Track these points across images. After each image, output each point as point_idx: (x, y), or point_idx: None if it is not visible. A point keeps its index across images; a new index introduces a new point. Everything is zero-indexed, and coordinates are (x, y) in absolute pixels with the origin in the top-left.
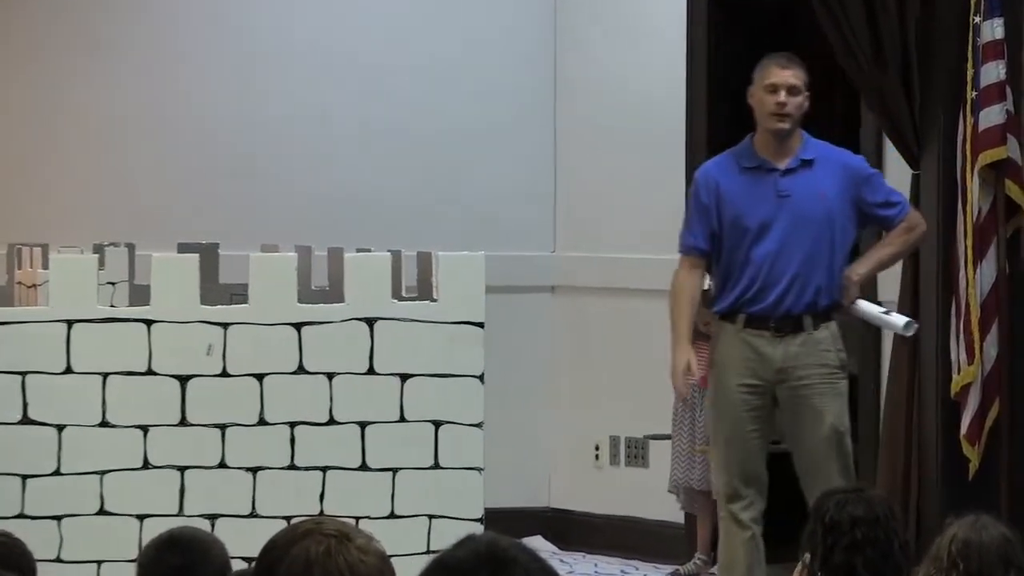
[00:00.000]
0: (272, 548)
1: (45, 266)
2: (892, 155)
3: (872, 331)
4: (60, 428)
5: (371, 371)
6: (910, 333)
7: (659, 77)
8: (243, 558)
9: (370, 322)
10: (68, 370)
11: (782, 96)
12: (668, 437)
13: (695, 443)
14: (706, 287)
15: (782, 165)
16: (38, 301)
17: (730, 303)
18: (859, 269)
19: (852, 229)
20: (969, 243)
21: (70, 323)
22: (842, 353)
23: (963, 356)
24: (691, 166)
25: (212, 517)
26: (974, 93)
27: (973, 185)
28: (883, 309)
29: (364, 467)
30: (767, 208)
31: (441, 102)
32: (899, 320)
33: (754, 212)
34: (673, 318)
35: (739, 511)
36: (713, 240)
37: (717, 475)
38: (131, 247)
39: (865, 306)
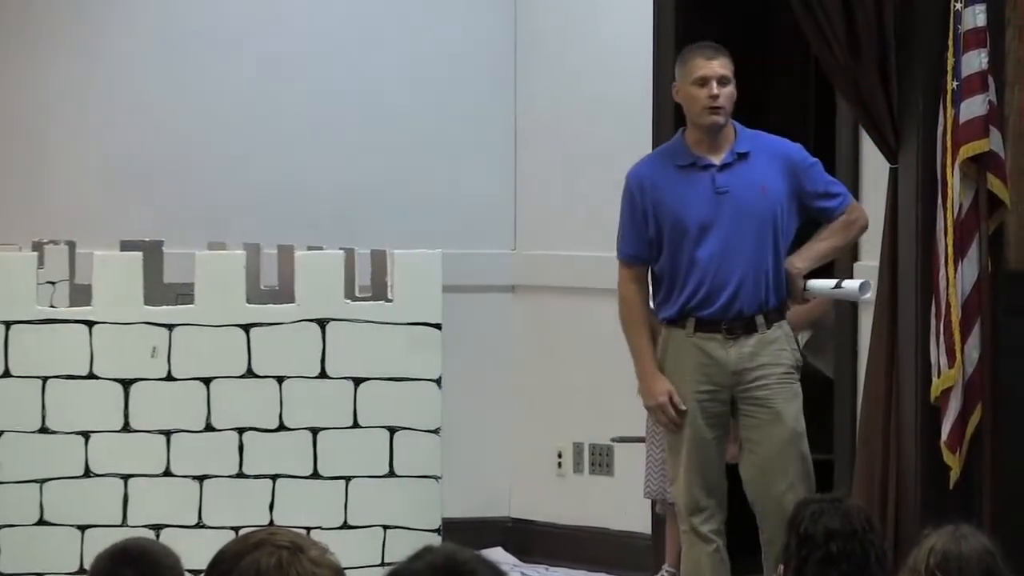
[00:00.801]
0: (221, 560)
1: None
2: (869, 148)
3: (848, 333)
4: None
5: (323, 375)
6: (866, 295)
7: (624, 71)
8: (190, 570)
9: (322, 323)
10: (6, 373)
11: (714, 88)
12: (638, 440)
13: None
14: None
15: (717, 160)
16: None
17: (678, 309)
18: (798, 263)
19: (793, 221)
20: (949, 240)
21: (8, 324)
22: (796, 353)
23: (943, 359)
24: None
25: (157, 527)
26: (955, 83)
27: (954, 180)
28: (834, 283)
29: (316, 475)
30: (706, 207)
31: (397, 95)
32: (852, 287)
33: (693, 213)
34: (633, 345)
35: (700, 524)
36: (651, 246)
37: (677, 487)
38: (71, 245)
39: (818, 286)
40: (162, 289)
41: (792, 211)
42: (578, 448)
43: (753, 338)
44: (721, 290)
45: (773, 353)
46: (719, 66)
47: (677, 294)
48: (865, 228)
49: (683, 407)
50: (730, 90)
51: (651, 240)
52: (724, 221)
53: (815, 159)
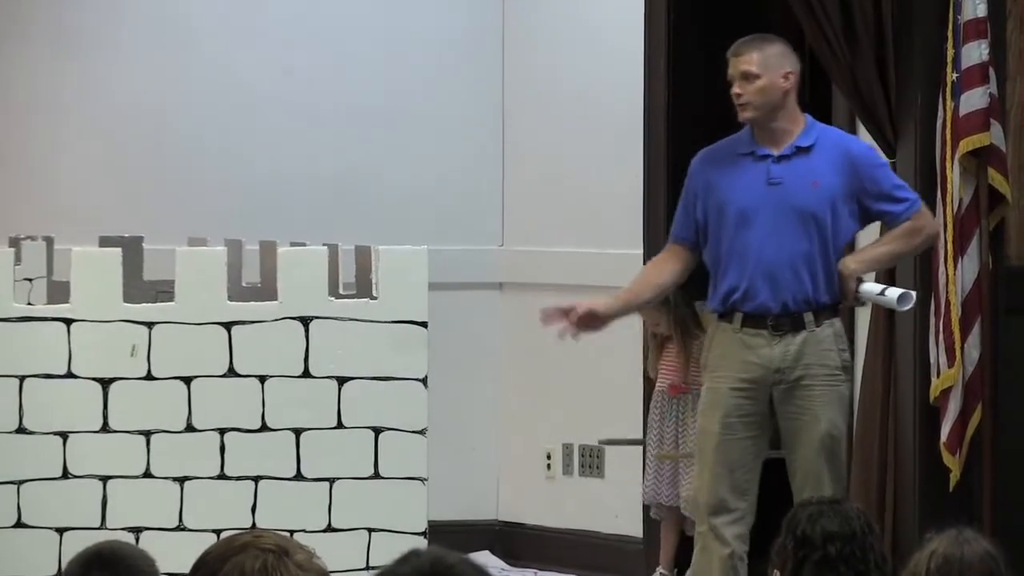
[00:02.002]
0: (204, 562)
1: None
2: (866, 142)
3: (845, 333)
4: None
5: (306, 374)
6: (908, 307)
7: (614, 64)
8: (170, 574)
9: (305, 321)
10: None
11: (736, 88)
12: (628, 442)
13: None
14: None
15: (776, 151)
16: None
17: (720, 299)
18: (852, 264)
19: (853, 221)
20: (949, 236)
21: None
22: (844, 353)
23: (943, 358)
24: (649, 156)
25: (136, 530)
26: (955, 75)
27: (953, 174)
28: (880, 288)
29: (299, 476)
30: (752, 196)
31: (382, 87)
32: (891, 296)
33: (737, 199)
34: None
35: (722, 525)
36: (698, 231)
37: (698, 485)
38: (49, 241)
39: (867, 289)
40: (142, 286)
41: (850, 210)
42: (567, 449)
43: (800, 335)
44: (762, 283)
45: (819, 353)
46: (741, 63)
47: (720, 282)
48: (933, 237)
49: (588, 312)
50: (759, 85)
51: (699, 224)
52: (768, 213)
53: (885, 161)
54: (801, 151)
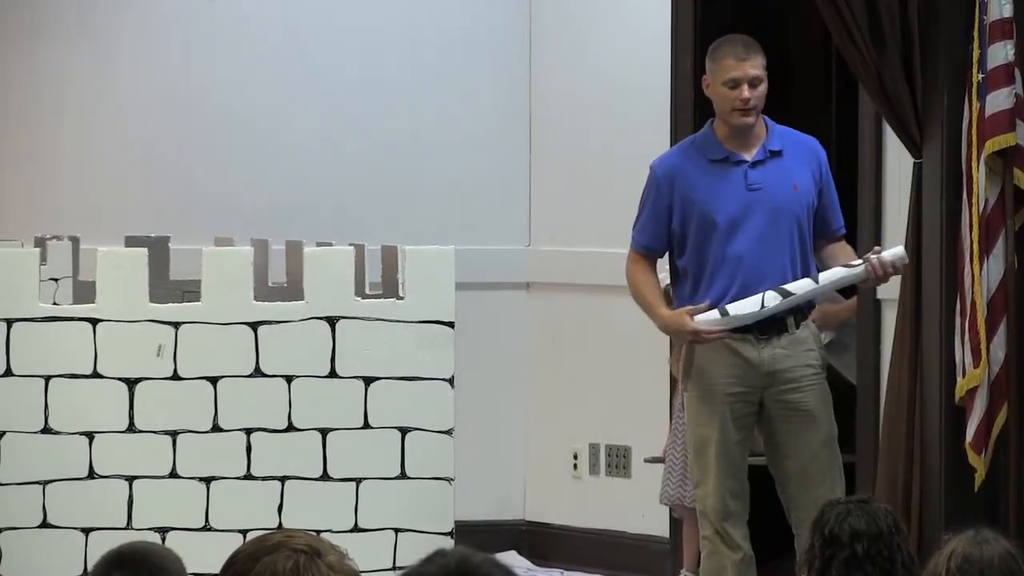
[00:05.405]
0: (235, 561)
1: None
2: (892, 143)
3: (871, 331)
4: None
5: (333, 374)
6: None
7: (642, 62)
8: (196, 574)
9: (331, 321)
10: (8, 372)
11: (745, 92)
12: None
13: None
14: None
15: (750, 156)
16: None
17: (706, 307)
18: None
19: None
20: (975, 237)
21: (10, 322)
22: (823, 351)
23: (968, 358)
24: None
25: (162, 530)
26: (980, 75)
27: (979, 174)
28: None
29: (325, 477)
30: (737, 203)
31: (408, 86)
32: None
33: (723, 208)
34: (645, 302)
35: (731, 528)
36: (671, 239)
37: (703, 490)
38: (75, 240)
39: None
40: (168, 286)
41: (814, 213)
42: (594, 449)
43: (784, 338)
44: (754, 289)
45: (803, 354)
46: (751, 67)
47: (704, 291)
48: None
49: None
50: (762, 89)
51: (673, 234)
52: (756, 218)
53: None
54: (774, 155)
